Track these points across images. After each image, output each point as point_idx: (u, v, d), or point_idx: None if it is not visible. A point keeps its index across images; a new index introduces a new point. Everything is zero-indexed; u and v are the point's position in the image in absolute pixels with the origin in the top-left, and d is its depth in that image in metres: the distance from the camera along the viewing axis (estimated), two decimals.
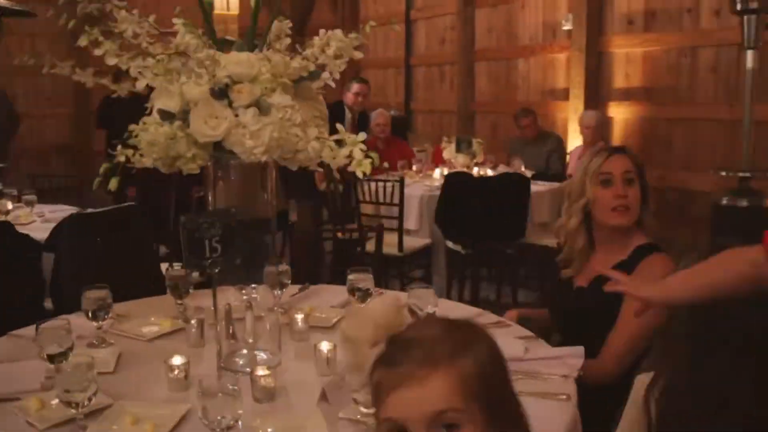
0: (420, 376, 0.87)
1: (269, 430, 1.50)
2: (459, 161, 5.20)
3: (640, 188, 2.17)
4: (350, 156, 1.60)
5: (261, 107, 1.63)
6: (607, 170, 2.16)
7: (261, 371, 1.69)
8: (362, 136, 1.63)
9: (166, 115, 1.65)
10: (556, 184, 4.98)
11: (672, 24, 5.87)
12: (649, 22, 6.07)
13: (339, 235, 4.80)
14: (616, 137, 5.99)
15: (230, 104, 1.65)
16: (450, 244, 4.68)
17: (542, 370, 1.85)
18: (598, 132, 5.39)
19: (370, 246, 4.58)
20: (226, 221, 1.68)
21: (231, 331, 1.92)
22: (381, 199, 4.70)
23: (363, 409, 1.56)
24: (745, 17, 4.14)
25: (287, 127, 1.63)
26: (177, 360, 1.75)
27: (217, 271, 1.71)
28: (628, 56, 6.28)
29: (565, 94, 6.60)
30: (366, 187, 4.73)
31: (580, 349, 1.90)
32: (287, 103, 1.65)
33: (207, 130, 1.61)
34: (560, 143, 5.73)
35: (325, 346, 1.85)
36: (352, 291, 2.10)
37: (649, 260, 2.08)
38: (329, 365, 1.84)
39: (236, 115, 1.63)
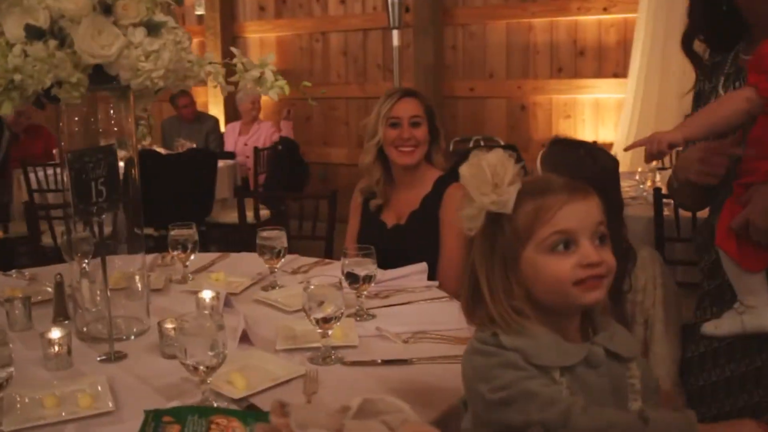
0: (583, 193, 1.02)
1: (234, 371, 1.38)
2: None
3: (428, 129, 2.39)
4: (261, 77, 1.53)
5: (150, 27, 1.45)
6: (395, 115, 2.33)
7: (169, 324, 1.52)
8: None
9: (36, 32, 1.35)
10: (230, 162, 5.03)
11: (302, 11, 6.35)
12: (279, 8, 6.47)
13: None
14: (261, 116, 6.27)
15: (115, 23, 1.43)
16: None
17: (407, 284, 2.00)
18: (257, 108, 5.58)
19: (48, 238, 4.08)
20: (110, 159, 1.46)
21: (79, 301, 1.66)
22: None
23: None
24: (389, 1, 4.73)
25: (179, 50, 1.49)
26: (56, 333, 1.46)
27: (103, 218, 1.48)
28: (262, 41, 6.59)
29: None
30: (34, 177, 4.19)
31: (422, 265, 2.09)
32: (173, 24, 1.50)
33: (97, 50, 1.38)
34: (217, 123, 5.78)
35: (207, 294, 1.72)
36: (262, 251, 1.96)
37: (453, 189, 2.30)
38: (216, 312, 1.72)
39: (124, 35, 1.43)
